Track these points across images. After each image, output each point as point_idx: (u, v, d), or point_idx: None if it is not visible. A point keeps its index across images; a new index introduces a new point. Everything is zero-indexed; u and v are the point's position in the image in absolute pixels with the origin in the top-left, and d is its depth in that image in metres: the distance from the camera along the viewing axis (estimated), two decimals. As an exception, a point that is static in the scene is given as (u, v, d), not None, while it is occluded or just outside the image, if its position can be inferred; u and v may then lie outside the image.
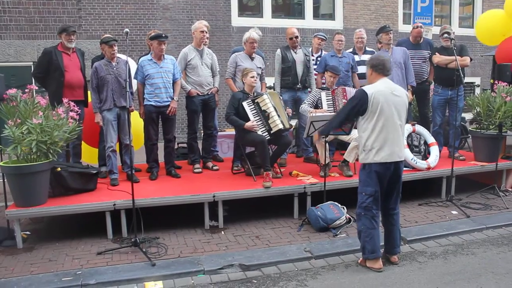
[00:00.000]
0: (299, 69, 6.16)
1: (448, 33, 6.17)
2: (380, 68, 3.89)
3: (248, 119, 5.35)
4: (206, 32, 5.79)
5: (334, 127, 4.24)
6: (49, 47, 5.58)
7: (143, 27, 9.88)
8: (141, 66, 5.44)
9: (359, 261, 4.08)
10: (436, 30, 8.18)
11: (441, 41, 6.40)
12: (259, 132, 5.33)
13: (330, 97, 5.76)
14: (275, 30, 10.77)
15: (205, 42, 5.86)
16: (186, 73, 5.85)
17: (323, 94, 5.76)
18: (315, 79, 6.53)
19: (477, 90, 12.18)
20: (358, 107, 3.81)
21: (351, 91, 5.84)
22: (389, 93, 3.81)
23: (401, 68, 6.21)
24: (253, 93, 5.54)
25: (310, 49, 6.84)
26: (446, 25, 6.64)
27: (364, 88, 3.86)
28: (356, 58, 6.71)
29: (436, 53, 6.35)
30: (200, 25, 5.80)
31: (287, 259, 4.12)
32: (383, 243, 4.07)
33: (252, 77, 5.47)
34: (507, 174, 6.22)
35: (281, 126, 5.34)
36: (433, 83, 6.77)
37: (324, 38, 6.83)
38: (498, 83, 6.12)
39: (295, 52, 6.19)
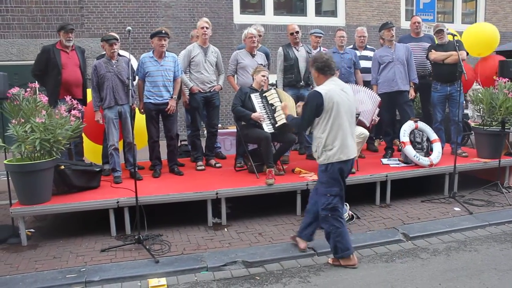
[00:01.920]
0: (302, 67, 6.16)
1: (442, 30, 6.20)
2: (326, 70, 3.90)
3: (254, 112, 5.36)
4: (206, 28, 5.79)
5: (303, 129, 4.28)
6: (47, 45, 5.59)
7: (145, 25, 9.91)
8: (142, 62, 5.47)
9: (329, 261, 4.03)
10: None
11: (436, 39, 6.42)
12: (265, 124, 5.34)
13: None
14: (277, 27, 10.76)
15: (206, 37, 5.82)
16: (190, 70, 5.86)
17: None
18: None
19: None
20: (318, 106, 3.78)
21: (353, 88, 5.83)
22: (339, 91, 3.86)
23: (403, 65, 6.20)
24: (261, 90, 5.57)
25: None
26: (439, 23, 6.71)
27: (316, 89, 3.88)
28: (357, 53, 6.73)
29: (432, 50, 6.35)
30: (200, 22, 5.85)
31: (290, 255, 4.13)
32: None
33: (263, 76, 5.51)
34: (510, 171, 6.20)
35: (285, 121, 5.34)
36: None
37: (321, 35, 6.83)
38: (500, 79, 6.11)
39: (297, 50, 6.19)
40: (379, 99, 5.93)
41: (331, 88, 3.82)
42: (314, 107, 3.79)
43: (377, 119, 5.92)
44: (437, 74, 6.40)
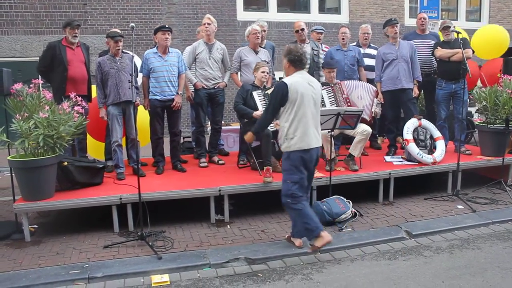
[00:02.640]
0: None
1: (449, 27, 6.16)
2: (298, 63, 4.02)
3: (256, 110, 5.35)
4: (208, 24, 5.78)
5: (267, 123, 4.32)
6: (53, 41, 5.59)
7: (149, 21, 9.91)
8: (146, 59, 5.47)
9: (309, 249, 4.05)
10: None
11: (442, 36, 6.39)
12: None
13: (332, 94, 5.76)
14: (281, 24, 10.75)
15: (208, 33, 5.81)
16: (195, 66, 5.86)
17: (324, 91, 5.74)
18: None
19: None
20: (283, 96, 3.89)
21: (350, 84, 5.84)
22: (306, 83, 3.96)
23: (407, 63, 6.17)
24: (263, 87, 5.56)
25: None
26: (446, 20, 6.68)
27: (283, 80, 4.01)
28: (361, 50, 6.71)
29: (438, 47, 6.31)
30: (203, 19, 5.84)
31: (293, 252, 4.13)
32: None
33: (263, 72, 5.50)
34: (514, 169, 6.19)
35: None
36: None
37: (322, 31, 6.81)
38: (505, 76, 6.08)
39: (303, 47, 6.17)
40: (374, 88, 5.95)
41: (297, 80, 3.95)
42: (280, 97, 3.92)
43: (377, 109, 5.93)
44: (442, 71, 6.37)
